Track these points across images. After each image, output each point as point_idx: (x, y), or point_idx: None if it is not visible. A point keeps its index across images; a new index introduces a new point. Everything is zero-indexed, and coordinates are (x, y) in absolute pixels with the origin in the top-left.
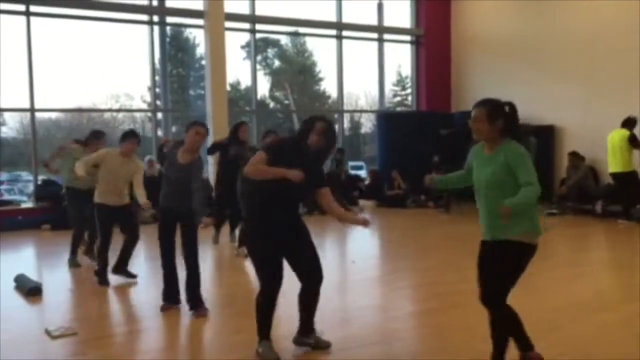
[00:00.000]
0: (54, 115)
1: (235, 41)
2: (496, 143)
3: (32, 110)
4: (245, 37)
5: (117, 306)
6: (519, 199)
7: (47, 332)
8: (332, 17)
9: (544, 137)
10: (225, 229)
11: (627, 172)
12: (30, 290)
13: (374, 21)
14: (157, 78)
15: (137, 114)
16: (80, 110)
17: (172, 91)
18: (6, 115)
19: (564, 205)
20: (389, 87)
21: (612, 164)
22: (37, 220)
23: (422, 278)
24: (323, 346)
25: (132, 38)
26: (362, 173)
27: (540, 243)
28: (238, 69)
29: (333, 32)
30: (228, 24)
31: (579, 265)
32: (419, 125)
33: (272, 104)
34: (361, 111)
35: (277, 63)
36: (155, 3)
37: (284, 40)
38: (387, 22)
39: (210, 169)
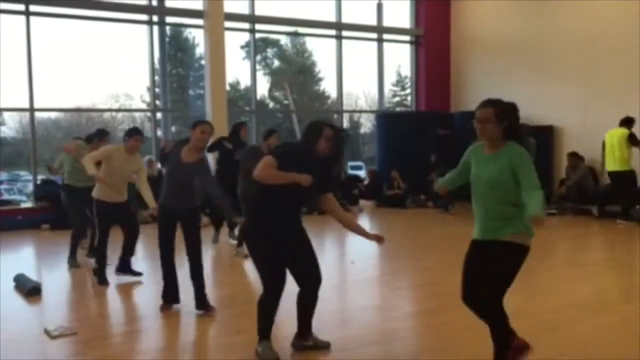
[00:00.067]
0: (53, 115)
1: (234, 41)
2: (499, 144)
3: (31, 109)
4: (245, 37)
5: (117, 306)
6: (540, 205)
7: (47, 332)
8: (331, 17)
9: (543, 137)
10: (225, 228)
11: (625, 170)
12: (29, 290)
13: (373, 21)
14: (156, 78)
15: (137, 114)
16: (79, 110)
17: (171, 91)
18: (5, 114)
19: (563, 205)
20: (388, 87)
21: (611, 162)
22: (37, 220)
23: (422, 278)
24: (322, 346)
25: (132, 38)
26: (362, 173)
27: (540, 243)
28: (237, 68)
29: (333, 32)
30: (227, 24)
31: (578, 265)
32: (418, 126)
33: (271, 104)
34: (361, 111)
35: (276, 63)
36: (154, 3)
37: (284, 40)
38: (387, 22)
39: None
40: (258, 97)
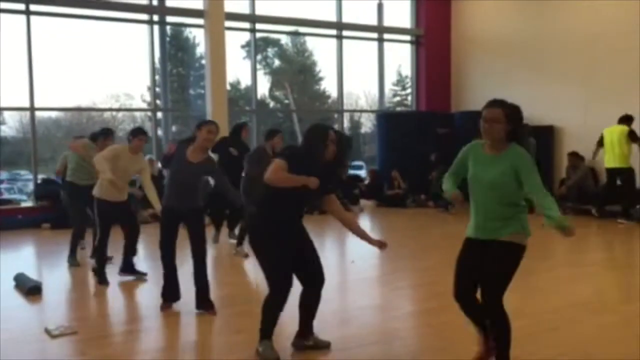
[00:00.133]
0: (53, 114)
1: (235, 40)
2: (502, 145)
3: (32, 109)
4: (245, 36)
5: (117, 305)
6: (554, 209)
7: (47, 332)
8: (332, 17)
9: (544, 137)
10: (225, 229)
11: (624, 168)
12: (30, 289)
13: (374, 21)
14: (157, 77)
15: (137, 114)
16: (80, 110)
17: (172, 90)
18: (6, 114)
19: (563, 205)
20: (388, 87)
21: (610, 159)
22: (37, 219)
23: (422, 278)
24: (322, 346)
25: (132, 37)
26: (362, 173)
27: (539, 243)
28: (238, 68)
29: (333, 31)
30: (228, 24)
31: (578, 265)
32: (418, 125)
33: (272, 104)
34: (361, 111)
35: (277, 62)
36: (155, 2)
37: (284, 39)
38: (387, 22)
39: None
40: (258, 96)
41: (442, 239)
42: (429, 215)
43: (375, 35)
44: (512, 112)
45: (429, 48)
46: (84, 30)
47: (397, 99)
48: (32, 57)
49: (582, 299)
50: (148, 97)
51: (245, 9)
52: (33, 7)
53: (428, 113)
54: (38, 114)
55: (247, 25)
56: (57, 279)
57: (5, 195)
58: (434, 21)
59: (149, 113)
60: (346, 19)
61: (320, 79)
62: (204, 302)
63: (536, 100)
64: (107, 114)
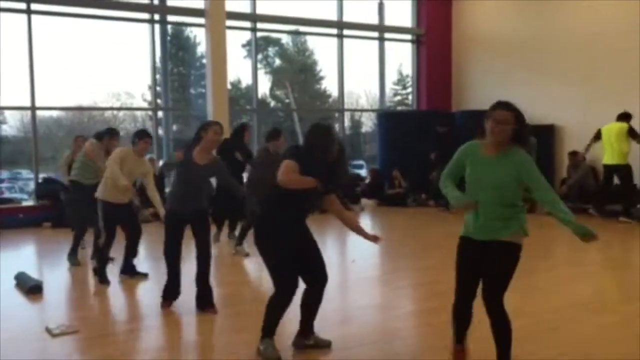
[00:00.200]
0: (54, 113)
1: (236, 40)
2: (504, 147)
3: (32, 108)
4: (246, 35)
5: (118, 305)
6: (568, 212)
7: (48, 331)
8: (333, 16)
9: (545, 136)
10: (225, 228)
11: (622, 165)
12: (30, 288)
13: (374, 20)
14: (158, 76)
15: (138, 113)
16: (81, 109)
17: (172, 90)
18: (7, 113)
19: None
20: (389, 86)
21: (609, 156)
22: (38, 218)
23: (423, 277)
24: (323, 345)
25: (133, 36)
26: (363, 172)
27: (540, 243)
28: (239, 67)
29: (334, 31)
30: (229, 23)
31: (578, 265)
32: (419, 125)
33: (272, 103)
34: (362, 110)
35: (277, 62)
36: (156, 2)
37: (285, 39)
38: (388, 21)
39: None
40: (259, 95)
41: (443, 238)
42: (430, 214)
43: (376, 34)
44: (519, 115)
45: (429, 47)
46: (85, 29)
47: (398, 98)
48: (33, 56)
49: (582, 298)
50: (149, 96)
51: (246, 8)
52: (34, 6)
53: (429, 112)
54: (39, 113)
55: (247, 24)
56: (57, 278)
57: (6, 195)
58: (435, 20)
59: (150, 112)
60: (347, 18)
61: (321, 78)
62: (205, 302)
63: (537, 99)
64: (108, 113)
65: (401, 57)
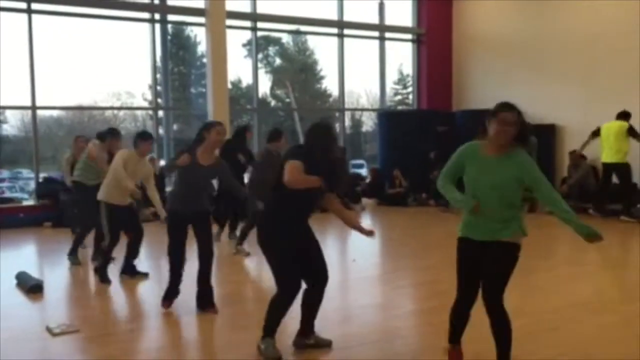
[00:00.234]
0: (55, 113)
1: (236, 39)
2: (506, 148)
3: (33, 107)
4: (247, 35)
5: (119, 304)
6: (571, 212)
7: (48, 330)
8: (333, 16)
9: (545, 135)
10: (226, 228)
11: (621, 163)
12: (31, 287)
13: (375, 19)
14: (158, 76)
15: (139, 112)
16: (81, 108)
17: (173, 89)
18: (7, 112)
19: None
20: (390, 86)
21: (607, 154)
22: (39, 218)
23: (423, 276)
24: (324, 344)
25: (134, 36)
26: (363, 171)
27: (540, 242)
28: (239, 67)
29: (334, 30)
30: (229, 22)
31: (578, 264)
32: (420, 124)
33: (273, 102)
34: (362, 109)
35: (278, 61)
36: (156, 1)
37: (286, 38)
38: (389, 21)
39: None
40: (260, 95)
41: (444, 237)
42: (430, 213)
43: (376, 33)
44: (520, 116)
45: (430, 47)
46: (86, 28)
47: (399, 97)
48: (34, 55)
49: (582, 298)
50: (149, 96)
51: (246, 8)
52: (34, 6)
53: (429, 112)
54: (39, 112)
55: (248, 23)
56: (58, 278)
57: (7, 194)
58: (436, 20)
59: (150, 111)
60: (347, 17)
61: (322, 77)
62: (206, 302)
63: (537, 99)
64: (108, 113)
65: (402, 56)
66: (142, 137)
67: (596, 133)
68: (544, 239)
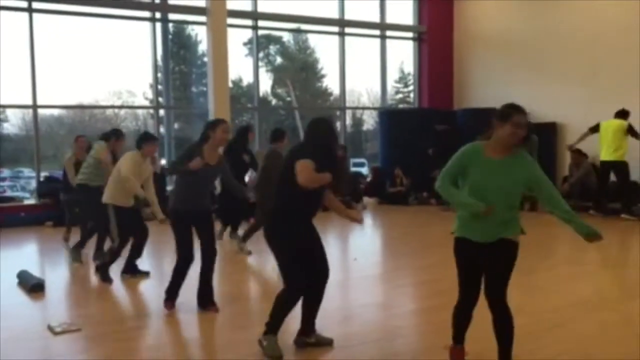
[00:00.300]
0: (56, 111)
1: (237, 38)
2: (511, 149)
3: (34, 106)
4: (248, 33)
5: (121, 303)
6: (571, 212)
7: (50, 329)
8: (334, 14)
9: (546, 134)
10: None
11: (619, 161)
12: (33, 286)
13: (376, 18)
14: (159, 75)
15: (139, 111)
16: (82, 107)
17: (174, 88)
18: (8, 111)
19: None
20: (391, 84)
21: (606, 153)
22: (40, 217)
23: (424, 275)
24: (325, 343)
25: (135, 35)
26: (364, 170)
27: (540, 242)
28: (240, 65)
29: (335, 29)
30: (230, 21)
31: (579, 263)
32: (421, 123)
33: (274, 101)
34: (363, 108)
35: (279, 60)
36: (157, 0)
37: (286, 37)
38: (390, 19)
39: None
40: (261, 94)
41: (444, 236)
42: (431, 212)
43: (377, 32)
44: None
45: (431, 45)
46: (86, 27)
47: (400, 96)
48: (35, 54)
49: (582, 297)
50: (150, 95)
51: (247, 7)
52: (35, 5)
53: (430, 110)
54: (40, 111)
55: (249, 22)
56: (59, 277)
57: (8, 193)
58: (437, 18)
59: (151, 110)
60: (348, 16)
61: (323, 76)
62: (207, 301)
63: (538, 97)
64: (109, 112)
65: (403, 55)
66: (147, 139)
67: (594, 129)
68: (545, 238)
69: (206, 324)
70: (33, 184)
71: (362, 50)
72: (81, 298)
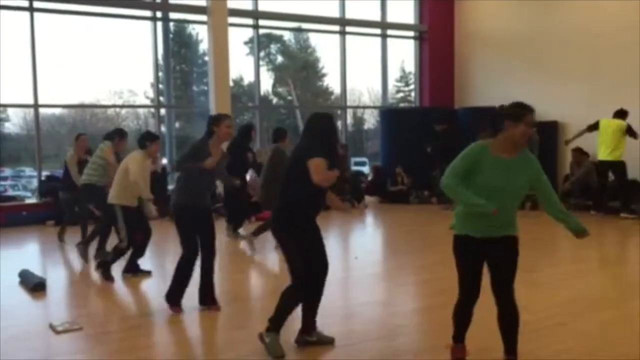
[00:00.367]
0: (57, 111)
1: (238, 37)
2: (519, 149)
3: (35, 106)
4: (249, 32)
5: (122, 301)
6: (567, 213)
7: (52, 327)
8: (335, 13)
9: (548, 133)
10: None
11: (618, 161)
12: (34, 285)
13: (377, 17)
14: (160, 74)
15: (140, 110)
16: (83, 106)
17: (175, 87)
18: (10, 111)
19: (567, 201)
20: (392, 83)
21: (605, 152)
22: (41, 216)
23: (425, 274)
24: (326, 342)
25: (136, 34)
26: (365, 169)
27: (543, 240)
28: (241, 64)
29: (336, 27)
30: (231, 20)
31: (582, 261)
32: (422, 122)
33: (275, 100)
34: (364, 107)
35: (280, 59)
36: None
37: (287, 36)
38: (391, 18)
39: None
40: (262, 93)
41: (445, 235)
42: (432, 211)
43: (378, 31)
44: None
45: (432, 44)
46: (87, 27)
47: (401, 95)
48: (36, 54)
49: (586, 295)
50: (151, 94)
51: (248, 5)
52: (36, 4)
53: (431, 109)
54: (42, 110)
55: (250, 21)
56: (61, 276)
57: (10, 192)
58: (438, 17)
59: (152, 110)
60: (349, 15)
61: (323, 75)
62: (208, 298)
63: (539, 96)
64: (110, 111)
65: (404, 54)
66: (152, 139)
67: (593, 127)
68: (546, 236)
69: (207, 322)
70: (34, 183)
71: (363, 49)
72: (83, 297)
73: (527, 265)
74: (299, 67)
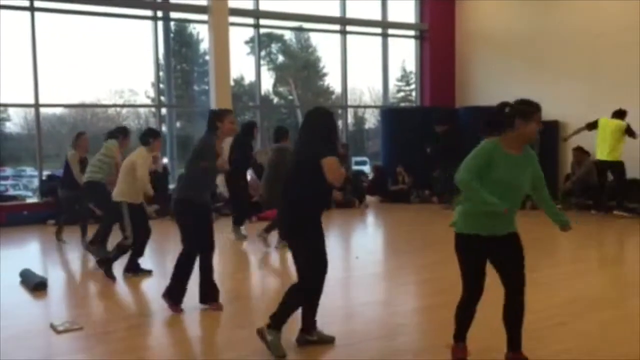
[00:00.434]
0: (58, 110)
1: (239, 36)
2: (524, 146)
3: (36, 105)
4: (249, 32)
5: (123, 301)
6: (559, 211)
7: (53, 327)
8: (336, 12)
9: (548, 132)
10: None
11: (616, 161)
12: (35, 285)
13: (378, 16)
14: (161, 73)
15: (141, 110)
16: (84, 106)
17: (176, 87)
18: (11, 110)
19: (568, 201)
20: (393, 83)
21: (603, 152)
22: (42, 216)
23: (426, 273)
24: (327, 341)
25: (136, 33)
26: (366, 168)
27: (543, 239)
28: (242, 64)
29: (337, 27)
30: (232, 19)
31: (582, 261)
32: (422, 121)
33: (275, 100)
34: (365, 106)
35: (281, 58)
36: None
37: (288, 35)
38: (391, 17)
39: None
40: (262, 92)
41: (446, 234)
42: (433, 210)
43: (379, 30)
44: None
45: (433, 43)
46: (88, 26)
47: (401, 94)
48: (37, 53)
49: (586, 294)
50: (152, 93)
51: (249, 5)
52: (37, 4)
53: (432, 109)
54: (43, 110)
55: (251, 21)
56: (62, 275)
57: (11, 192)
58: (439, 16)
59: (153, 109)
60: (350, 14)
61: (324, 74)
62: (208, 296)
63: (540, 95)
64: (111, 110)
65: (404, 53)
66: (155, 135)
67: (593, 125)
68: (548, 235)
69: (207, 322)
70: (35, 182)
71: (364, 48)
72: (83, 297)
73: (527, 265)
74: (300, 67)
